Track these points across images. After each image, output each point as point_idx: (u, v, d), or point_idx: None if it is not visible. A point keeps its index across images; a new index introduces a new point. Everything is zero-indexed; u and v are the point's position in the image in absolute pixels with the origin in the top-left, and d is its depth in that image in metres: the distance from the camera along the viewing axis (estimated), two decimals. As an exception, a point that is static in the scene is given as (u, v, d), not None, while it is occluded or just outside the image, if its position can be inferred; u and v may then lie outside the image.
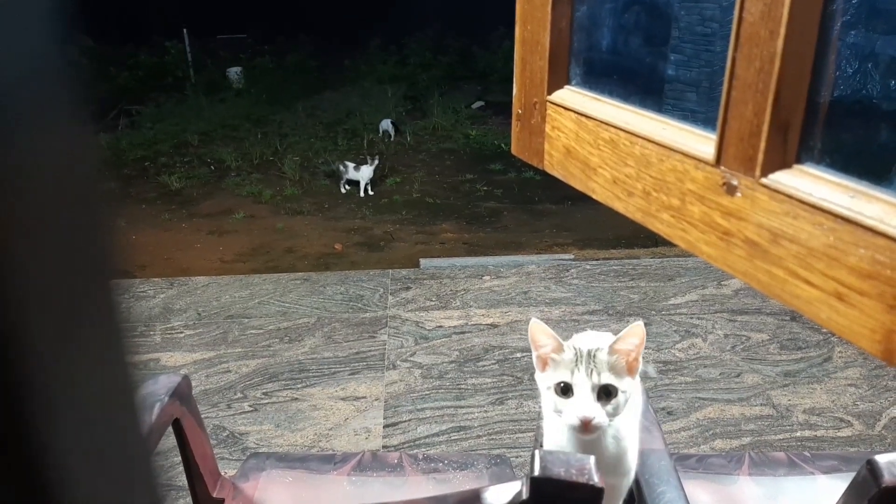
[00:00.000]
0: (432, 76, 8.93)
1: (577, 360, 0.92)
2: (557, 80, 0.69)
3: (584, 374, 0.90)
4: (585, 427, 0.90)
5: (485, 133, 7.16)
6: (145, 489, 0.20)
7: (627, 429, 0.99)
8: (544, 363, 0.96)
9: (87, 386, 0.17)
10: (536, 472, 0.65)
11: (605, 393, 0.91)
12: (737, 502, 1.24)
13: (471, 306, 3.05)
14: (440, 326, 2.89)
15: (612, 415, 0.91)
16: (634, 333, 0.91)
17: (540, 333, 0.95)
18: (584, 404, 0.90)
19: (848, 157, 0.46)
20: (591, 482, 0.64)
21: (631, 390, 0.93)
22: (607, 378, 0.90)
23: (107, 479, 0.18)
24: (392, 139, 7.11)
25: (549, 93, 0.69)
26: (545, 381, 0.96)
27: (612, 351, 0.92)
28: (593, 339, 0.98)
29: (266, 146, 6.79)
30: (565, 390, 0.92)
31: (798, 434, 2.25)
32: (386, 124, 7.19)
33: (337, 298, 3.15)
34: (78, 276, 0.17)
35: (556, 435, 0.98)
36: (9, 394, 0.14)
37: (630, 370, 0.93)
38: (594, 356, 0.92)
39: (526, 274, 3.36)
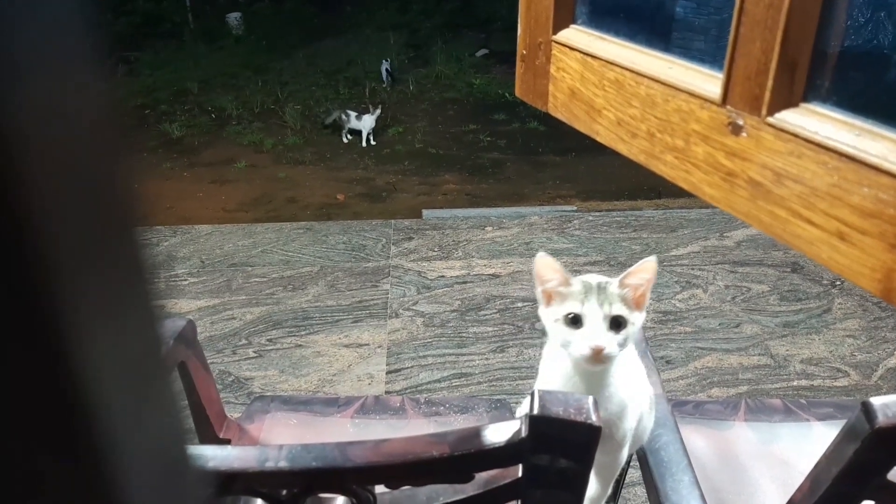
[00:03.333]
0: (434, 23, 8.74)
1: (586, 291, 0.91)
2: (563, 18, 0.67)
3: (596, 303, 0.90)
4: (596, 357, 0.89)
5: (488, 82, 7.05)
6: (167, 411, 0.21)
7: (630, 389, 0.98)
8: (549, 297, 0.95)
9: (114, 329, 0.17)
10: (535, 411, 0.66)
11: (616, 324, 0.90)
12: (732, 447, 1.26)
13: (473, 257, 3.06)
14: (442, 276, 2.90)
15: (622, 346, 0.91)
16: (646, 268, 0.91)
17: (546, 268, 0.93)
18: (596, 333, 0.89)
19: (855, 95, 0.45)
20: (588, 421, 0.65)
21: (639, 324, 0.93)
22: (618, 309, 0.90)
23: (131, 401, 0.18)
24: (390, 83, 7.03)
25: (555, 32, 0.68)
26: (552, 314, 0.94)
27: (622, 284, 0.91)
28: (601, 277, 0.97)
29: (266, 94, 6.70)
30: (574, 321, 0.91)
31: (795, 383, 2.29)
32: (385, 66, 7.13)
33: (339, 248, 3.16)
34: (101, 223, 0.17)
35: (552, 382, 0.99)
36: (45, 343, 0.15)
37: (638, 304, 0.93)
38: (604, 288, 0.91)
39: (528, 225, 3.36)
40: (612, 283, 0.92)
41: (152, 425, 0.20)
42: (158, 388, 0.20)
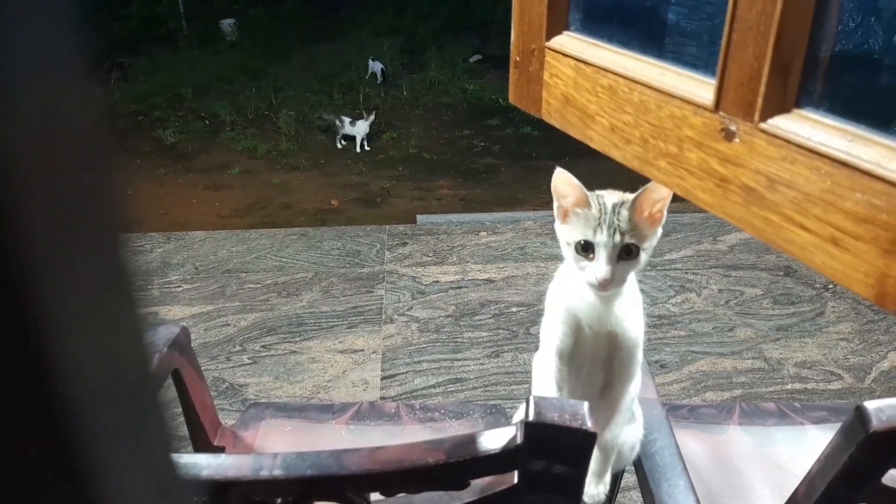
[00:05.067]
0: (430, 28, 8.75)
1: (599, 217, 0.91)
2: (556, 25, 0.68)
3: (607, 234, 0.90)
4: (603, 288, 0.92)
5: (482, 87, 7.07)
6: (158, 424, 0.21)
7: (634, 319, 1.01)
8: (565, 214, 0.96)
9: (100, 337, 0.17)
10: (531, 417, 0.66)
11: (626, 252, 0.91)
12: (726, 451, 1.26)
13: (467, 262, 3.06)
14: (437, 281, 2.90)
15: (632, 271, 0.94)
16: (659, 188, 0.89)
17: (564, 183, 0.93)
18: (604, 266, 0.91)
19: (847, 101, 0.45)
20: (584, 427, 0.65)
21: (653, 244, 0.94)
22: (630, 237, 0.90)
23: (120, 415, 0.18)
24: (385, 78, 7.08)
25: (548, 39, 0.68)
26: (566, 234, 0.95)
27: (636, 208, 0.90)
28: (618, 196, 0.95)
29: (261, 100, 6.70)
30: (586, 248, 0.92)
31: (789, 387, 2.29)
32: (376, 66, 7.17)
33: (334, 254, 3.15)
34: (86, 231, 0.17)
35: (571, 292, 1.00)
36: (29, 355, 0.15)
37: (654, 222, 0.93)
38: (618, 213, 0.90)
39: (522, 230, 3.36)
40: (627, 206, 0.91)
41: (141, 436, 0.19)
42: (146, 398, 0.20)
